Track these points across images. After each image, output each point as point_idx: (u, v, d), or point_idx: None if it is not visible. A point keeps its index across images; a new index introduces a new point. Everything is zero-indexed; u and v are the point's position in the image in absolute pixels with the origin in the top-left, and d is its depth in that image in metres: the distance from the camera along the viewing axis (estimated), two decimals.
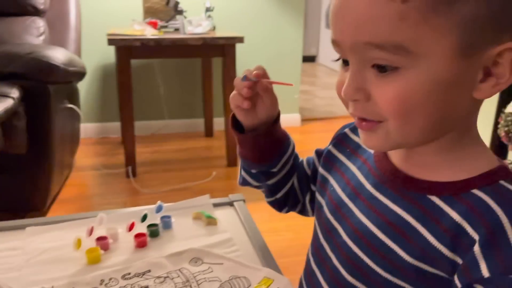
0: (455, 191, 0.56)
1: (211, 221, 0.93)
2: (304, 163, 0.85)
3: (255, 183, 0.82)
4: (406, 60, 0.49)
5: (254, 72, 0.70)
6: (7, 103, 1.73)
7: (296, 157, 0.84)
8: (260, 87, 0.72)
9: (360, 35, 0.50)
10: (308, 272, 0.73)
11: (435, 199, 0.57)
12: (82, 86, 2.74)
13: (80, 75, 2.30)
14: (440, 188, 0.57)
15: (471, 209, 0.54)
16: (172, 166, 2.84)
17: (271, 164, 0.79)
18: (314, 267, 0.71)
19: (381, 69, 0.51)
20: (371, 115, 0.55)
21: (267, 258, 0.81)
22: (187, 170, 2.73)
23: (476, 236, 0.52)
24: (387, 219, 0.60)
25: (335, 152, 0.76)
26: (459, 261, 0.54)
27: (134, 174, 2.60)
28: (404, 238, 0.57)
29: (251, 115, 0.74)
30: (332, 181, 0.73)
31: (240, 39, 2.61)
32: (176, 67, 3.29)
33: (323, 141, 0.83)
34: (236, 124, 0.77)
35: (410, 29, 0.48)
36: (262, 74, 0.70)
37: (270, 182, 0.81)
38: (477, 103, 0.55)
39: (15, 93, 1.81)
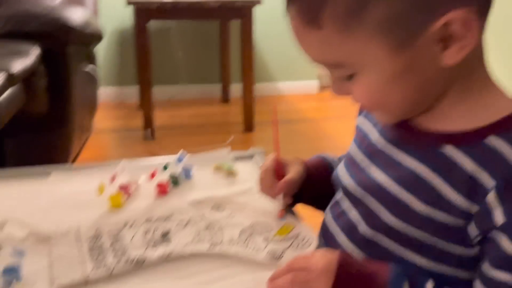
0: (469, 140, 0.56)
1: (231, 172, 0.93)
2: None
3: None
4: (352, 69, 0.55)
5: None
6: (27, 61, 1.74)
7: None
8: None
9: (310, 57, 0.58)
10: (324, 227, 0.74)
11: (450, 149, 0.57)
12: (100, 50, 2.73)
13: (98, 37, 2.29)
14: (455, 138, 0.57)
15: (486, 156, 0.54)
16: (189, 130, 2.85)
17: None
18: (330, 221, 0.72)
19: (344, 77, 0.57)
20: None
21: (290, 211, 0.82)
22: (204, 135, 2.75)
23: (491, 183, 0.53)
24: (402, 172, 0.60)
25: (359, 119, 0.77)
26: (475, 209, 0.54)
27: (152, 137, 2.63)
28: (419, 190, 0.58)
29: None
30: (352, 141, 0.74)
31: (258, 1, 2.57)
32: (193, 31, 3.26)
33: (340, 109, 0.83)
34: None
35: (337, 48, 0.54)
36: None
37: None
38: (460, 60, 0.54)
39: (34, 51, 1.82)
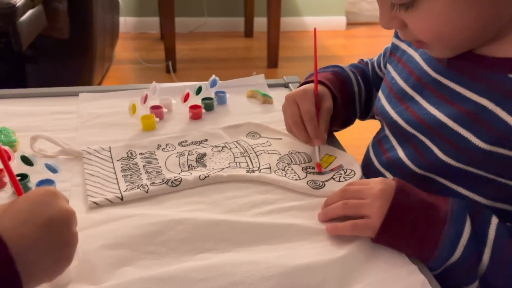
0: None
1: (267, 99, 0.88)
2: (376, 67, 0.81)
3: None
4: None
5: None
6: None
7: (366, 77, 0.81)
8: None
9: None
10: (367, 164, 0.70)
11: None
12: None
13: None
14: None
15: None
16: (212, 64, 2.78)
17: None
18: (374, 158, 0.68)
19: (402, 6, 0.52)
20: (416, 39, 0.55)
21: (330, 138, 0.77)
22: (227, 69, 2.67)
23: None
24: (460, 106, 0.55)
25: (397, 42, 0.70)
26: None
27: (174, 70, 2.57)
28: (479, 125, 0.52)
29: None
30: (393, 73, 0.68)
31: None
32: None
33: (367, 46, 0.77)
34: None
35: None
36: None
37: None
38: None
39: None
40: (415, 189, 0.54)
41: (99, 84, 2.32)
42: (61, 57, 2.01)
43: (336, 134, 0.80)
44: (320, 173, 0.67)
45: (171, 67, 2.54)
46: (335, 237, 0.55)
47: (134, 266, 0.51)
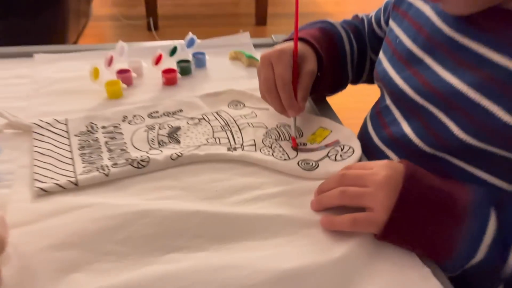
0: None
1: (252, 62, 0.78)
2: (374, 24, 0.69)
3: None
4: None
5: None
6: None
7: (359, 35, 0.70)
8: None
9: None
10: (364, 139, 0.60)
11: None
12: None
13: None
14: None
15: None
16: (196, 21, 2.62)
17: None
18: (373, 132, 0.59)
19: None
20: None
21: (324, 109, 0.67)
22: (212, 27, 2.52)
23: None
24: (484, 72, 0.45)
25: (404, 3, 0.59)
26: None
27: (155, 27, 2.41)
28: (508, 96, 0.42)
29: None
30: (397, 31, 0.57)
31: None
32: None
33: (363, 3, 0.65)
34: None
35: None
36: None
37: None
38: None
39: None
40: (428, 175, 0.45)
41: (75, 43, 2.16)
42: (32, 11, 1.85)
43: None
44: (295, 148, 0.57)
45: (152, 24, 2.38)
46: (332, 231, 0.46)
47: (86, 271, 0.41)
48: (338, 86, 0.68)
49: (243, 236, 0.45)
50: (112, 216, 0.45)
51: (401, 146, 0.54)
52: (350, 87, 0.72)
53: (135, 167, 0.53)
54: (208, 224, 0.46)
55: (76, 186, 0.50)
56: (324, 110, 0.67)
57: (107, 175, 0.51)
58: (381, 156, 0.56)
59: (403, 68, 0.54)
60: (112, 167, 0.52)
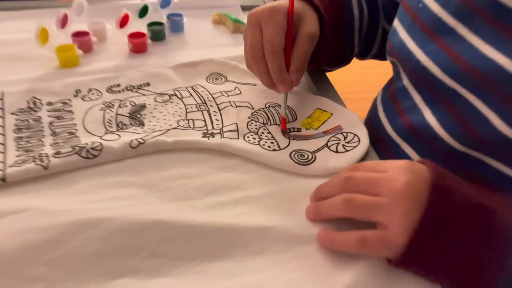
0: None
1: (239, 27, 0.65)
2: None
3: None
4: None
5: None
6: None
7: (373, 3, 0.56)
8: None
9: None
10: (374, 128, 0.49)
11: None
12: None
13: None
14: None
15: None
16: None
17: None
18: (385, 121, 0.48)
19: None
20: None
21: (323, 85, 0.56)
22: None
23: None
24: None
25: None
26: None
27: None
28: None
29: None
30: None
31: None
32: None
33: None
34: None
35: None
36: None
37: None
38: None
39: None
40: (461, 182, 0.34)
41: None
42: None
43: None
44: (284, 132, 0.47)
45: None
46: (333, 251, 0.35)
47: None
48: (340, 59, 0.56)
49: (216, 255, 0.35)
50: (46, 228, 0.34)
51: (422, 139, 0.43)
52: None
53: (83, 157, 0.41)
54: (172, 239, 0.35)
55: (2, 182, 0.39)
56: (323, 86, 0.55)
57: (45, 167, 0.40)
58: (395, 150, 0.46)
59: (428, 40, 0.43)
60: (54, 156, 0.41)
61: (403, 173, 0.34)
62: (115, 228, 0.35)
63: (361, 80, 1.85)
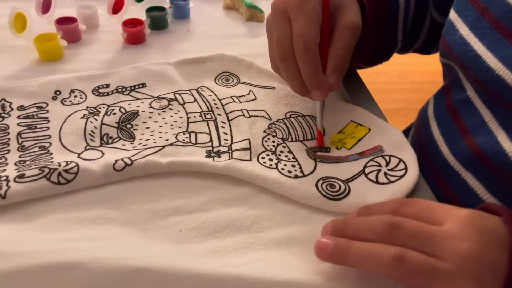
0: None
1: (255, 13, 0.56)
2: None
3: None
4: None
5: None
6: None
7: None
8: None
9: None
10: (425, 151, 0.39)
11: None
12: None
13: None
14: None
15: None
16: None
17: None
18: (436, 135, 0.38)
19: None
20: None
21: (357, 90, 0.46)
22: None
23: None
24: None
25: None
26: None
27: None
28: None
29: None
30: None
31: None
32: None
33: None
34: None
35: None
36: None
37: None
38: None
39: None
40: None
41: None
42: None
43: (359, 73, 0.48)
44: (321, 149, 0.37)
45: None
46: None
47: None
48: (381, 54, 0.46)
49: None
50: None
51: (492, 169, 0.34)
52: None
53: (53, 182, 0.32)
54: None
55: None
56: (357, 91, 0.45)
57: (3, 196, 0.31)
58: (454, 180, 0.36)
59: (502, 41, 0.32)
60: (16, 181, 0.32)
61: (468, 229, 0.25)
62: (87, 276, 0.26)
63: (383, 71, 1.73)
